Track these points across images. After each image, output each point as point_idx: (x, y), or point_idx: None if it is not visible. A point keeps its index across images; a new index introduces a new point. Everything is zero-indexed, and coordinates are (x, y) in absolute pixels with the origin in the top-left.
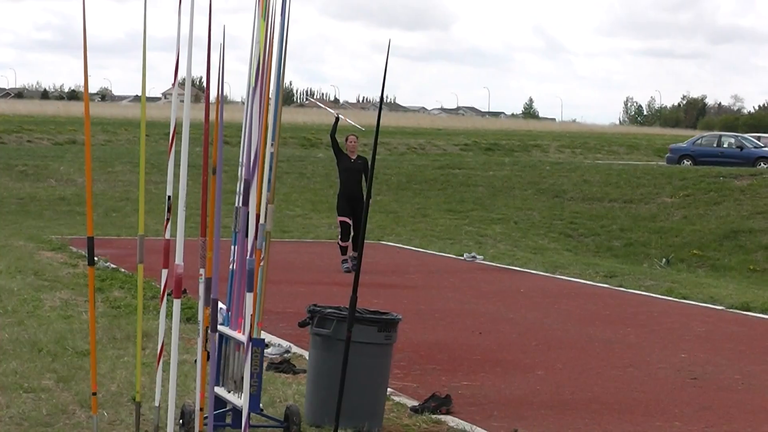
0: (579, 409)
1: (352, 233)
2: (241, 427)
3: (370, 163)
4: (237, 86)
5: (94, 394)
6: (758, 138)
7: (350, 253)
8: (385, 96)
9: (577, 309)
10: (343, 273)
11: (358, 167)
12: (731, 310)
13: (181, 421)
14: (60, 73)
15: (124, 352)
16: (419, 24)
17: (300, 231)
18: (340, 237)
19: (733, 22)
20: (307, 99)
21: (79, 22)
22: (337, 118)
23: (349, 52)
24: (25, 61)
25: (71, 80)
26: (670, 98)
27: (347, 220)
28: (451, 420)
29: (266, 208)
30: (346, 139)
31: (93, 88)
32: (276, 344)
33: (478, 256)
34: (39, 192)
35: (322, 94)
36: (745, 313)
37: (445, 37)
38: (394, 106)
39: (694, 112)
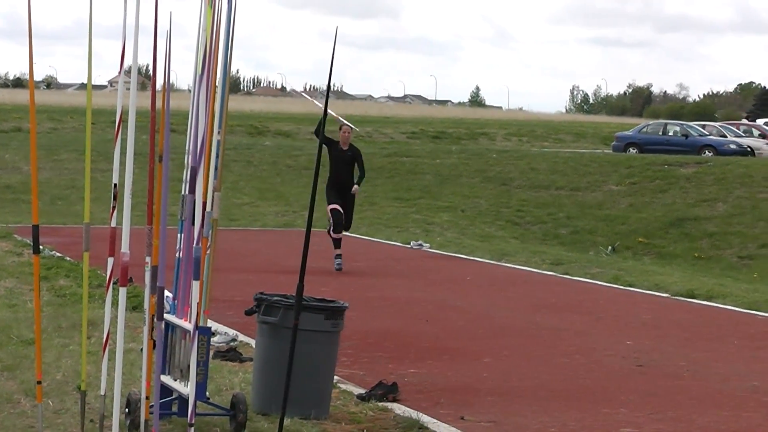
0: (526, 396)
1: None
2: (187, 416)
3: (317, 152)
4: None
5: (39, 382)
6: (703, 126)
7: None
8: (332, 84)
9: (524, 296)
10: (335, 270)
11: (350, 159)
12: (676, 297)
13: (126, 409)
14: (4, 60)
15: (70, 340)
16: (368, 12)
17: (247, 219)
18: (332, 227)
19: (680, 11)
20: (293, 90)
21: (24, 9)
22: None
23: (297, 40)
24: None
25: (16, 68)
26: (616, 86)
27: (338, 207)
28: (397, 407)
29: (213, 196)
30: (340, 129)
31: (38, 76)
32: (222, 332)
33: (425, 244)
34: None
35: (269, 82)
36: (690, 300)
37: (394, 25)
38: (341, 94)
39: (640, 101)
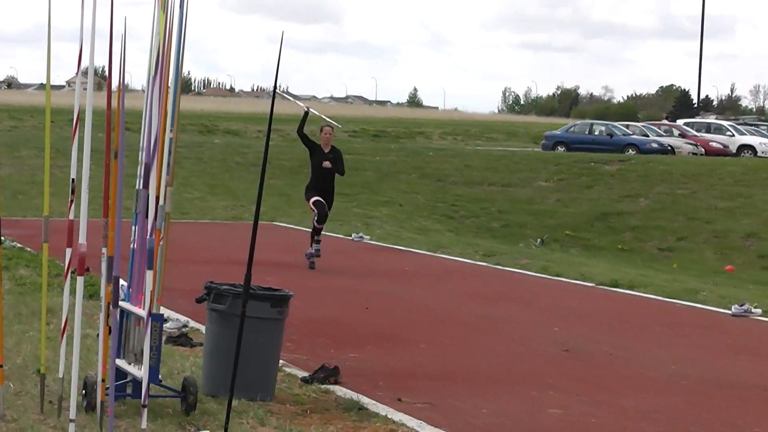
0: (461, 380)
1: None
2: (140, 397)
3: (264, 150)
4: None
5: (1, 366)
6: (627, 126)
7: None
8: (278, 85)
9: (459, 286)
10: (307, 264)
11: (331, 160)
12: (601, 286)
13: (83, 391)
14: None
15: (30, 327)
16: (313, 18)
17: (198, 213)
18: (316, 219)
19: (605, 18)
20: (282, 93)
21: None
22: (306, 113)
23: (245, 43)
24: None
25: None
26: (545, 89)
27: (321, 198)
28: (339, 390)
29: (165, 191)
30: (321, 130)
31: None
32: (174, 319)
33: (365, 237)
34: None
35: (219, 83)
36: (613, 289)
37: (337, 30)
38: (288, 96)
39: (567, 102)
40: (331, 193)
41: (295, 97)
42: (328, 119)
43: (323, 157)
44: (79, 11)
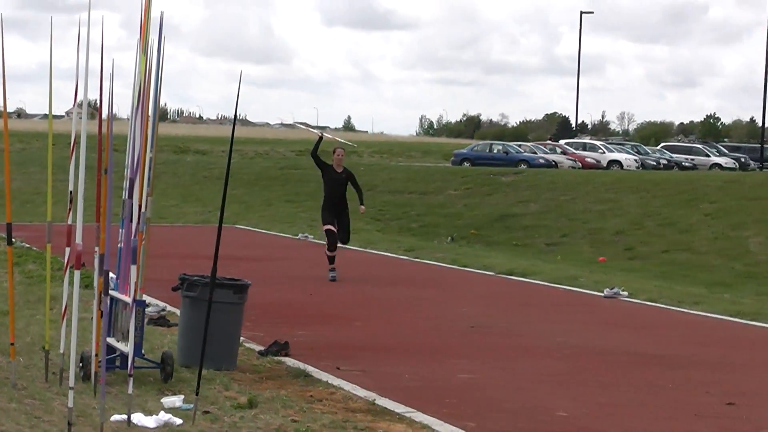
0: (389, 351)
1: (338, 242)
2: (127, 368)
3: (227, 166)
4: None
5: (12, 344)
6: (519, 145)
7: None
8: (238, 114)
9: (386, 274)
10: (328, 278)
11: (343, 180)
12: (500, 275)
13: (81, 364)
14: None
15: (36, 311)
16: (266, 59)
17: (173, 217)
18: (327, 247)
19: (502, 58)
20: (295, 123)
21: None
22: (320, 138)
23: (211, 80)
24: None
25: None
26: (454, 115)
27: (333, 228)
28: (289, 360)
29: (147, 200)
30: (334, 152)
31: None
32: (154, 304)
33: (309, 236)
34: None
35: (190, 113)
36: (510, 277)
37: (286, 69)
38: (246, 122)
39: (472, 126)
40: (345, 209)
41: (305, 126)
42: (343, 141)
43: (336, 176)
44: (75, 55)
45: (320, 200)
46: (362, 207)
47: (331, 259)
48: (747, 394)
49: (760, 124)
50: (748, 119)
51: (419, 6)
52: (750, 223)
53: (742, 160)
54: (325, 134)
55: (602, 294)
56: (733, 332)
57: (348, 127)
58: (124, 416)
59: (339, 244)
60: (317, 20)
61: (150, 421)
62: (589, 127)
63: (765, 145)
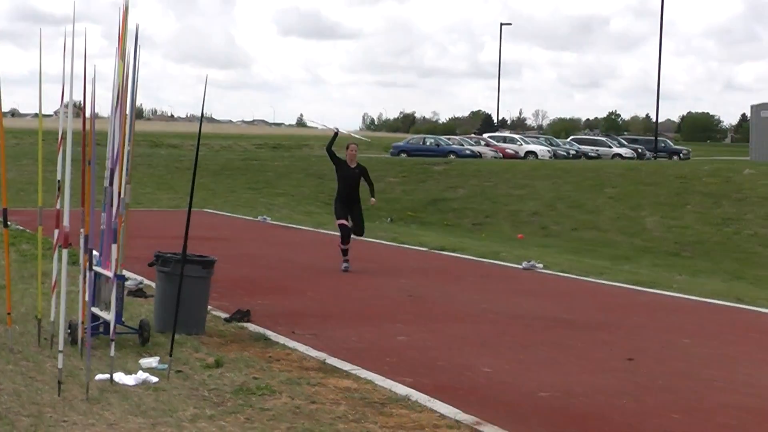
0: (336, 317)
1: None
2: (110, 334)
3: (194, 159)
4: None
5: (9, 314)
6: (449, 139)
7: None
8: (205, 112)
9: (333, 252)
10: (343, 265)
11: (357, 175)
12: (433, 250)
13: (69, 330)
14: None
15: (30, 285)
16: (229, 64)
17: (149, 203)
18: (341, 240)
19: (434, 63)
20: (311, 121)
21: None
22: (336, 133)
23: (181, 83)
24: None
25: None
26: (392, 113)
27: (346, 222)
28: (251, 326)
29: (125, 188)
30: (347, 148)
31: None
32: (133, 278)
33: (267, 218)
34: None
35: (163, 112)
36: (442, 252)
37: (246, 73)
38: (211, 120)
39: (408, 122)
40: (358, 203)
41: (322, 124)
42: (357, 136)
43: (349, 171)
44: (62, 62)
45: (281, 188)
46: (373, 199)
47: (345, 252)
48: (644, 351)
49: (654, 120)
50: (644, 116)
51: (362, 19)
52: (646, 205)
53: (639, 150)
54: (340, 130)
55: (521, 266)
56: (632, 299)
57: (301, 123)
58: (108, 375)
59: (354, 236)
60: (274, 31)
61: (130, 380)
62: (509, 122)
63: (658, 138)
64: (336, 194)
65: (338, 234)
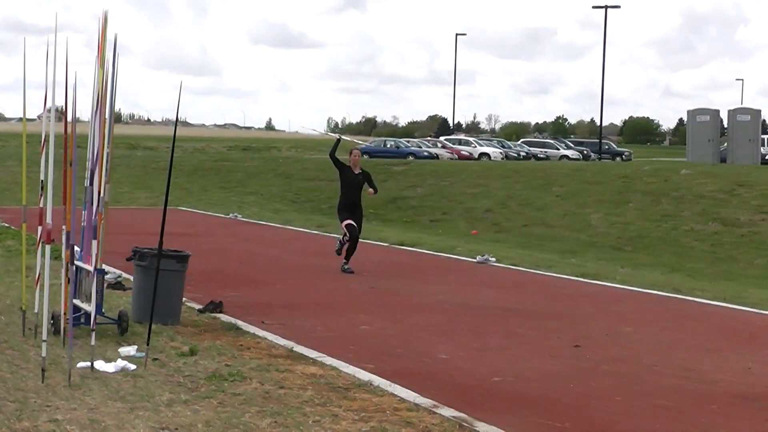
0: (304, 308)
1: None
2: (90, 324)
3: (170, 160)
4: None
5: None
6: (408, 141)
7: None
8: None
9: (300, 247)
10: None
11: (360, 180)
12: (393, 245)
13: (52, 321)
14: None
15: (15, 279)
16: (202, 72)
17: (127, 201)
18: (347, 239)
19: (394, 71)
20: (312, 129)
21: None
22: (338, 140)
23: (157, 89)
24: None
25: None
26: (355, 117)
27: (352, 222)
28: (223, 317)
29: (105, 187)
30: (350, 153)
31: None
32: (112, 272)
33: (239, 215)
34: None
35: (140, 116)
36: (401, 247)
37: (218, 80)
38: (186, 124)
39: (369, 126)
40: (360, 208)
41: (320, 131)
42: (358, 141)
43: (353, 177)
44: (45, 69)
45: (251, 188)
46: (370, 190)
47: (341, 251)
48: (589, 338)
49: (599, 124)
50: (589, 120)
51: (327, 29)
52: (591, 203)
53: (585, 152)
54: (342, 137)
55: (475, 260)
56: (578, 290)
57: (270, 127)
58: (89, 363)
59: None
60: (244, 41)
61: (110, 367)
62: (464, 126)
63: (602, 141)
64: (339, 201)
65: (339, 235)
